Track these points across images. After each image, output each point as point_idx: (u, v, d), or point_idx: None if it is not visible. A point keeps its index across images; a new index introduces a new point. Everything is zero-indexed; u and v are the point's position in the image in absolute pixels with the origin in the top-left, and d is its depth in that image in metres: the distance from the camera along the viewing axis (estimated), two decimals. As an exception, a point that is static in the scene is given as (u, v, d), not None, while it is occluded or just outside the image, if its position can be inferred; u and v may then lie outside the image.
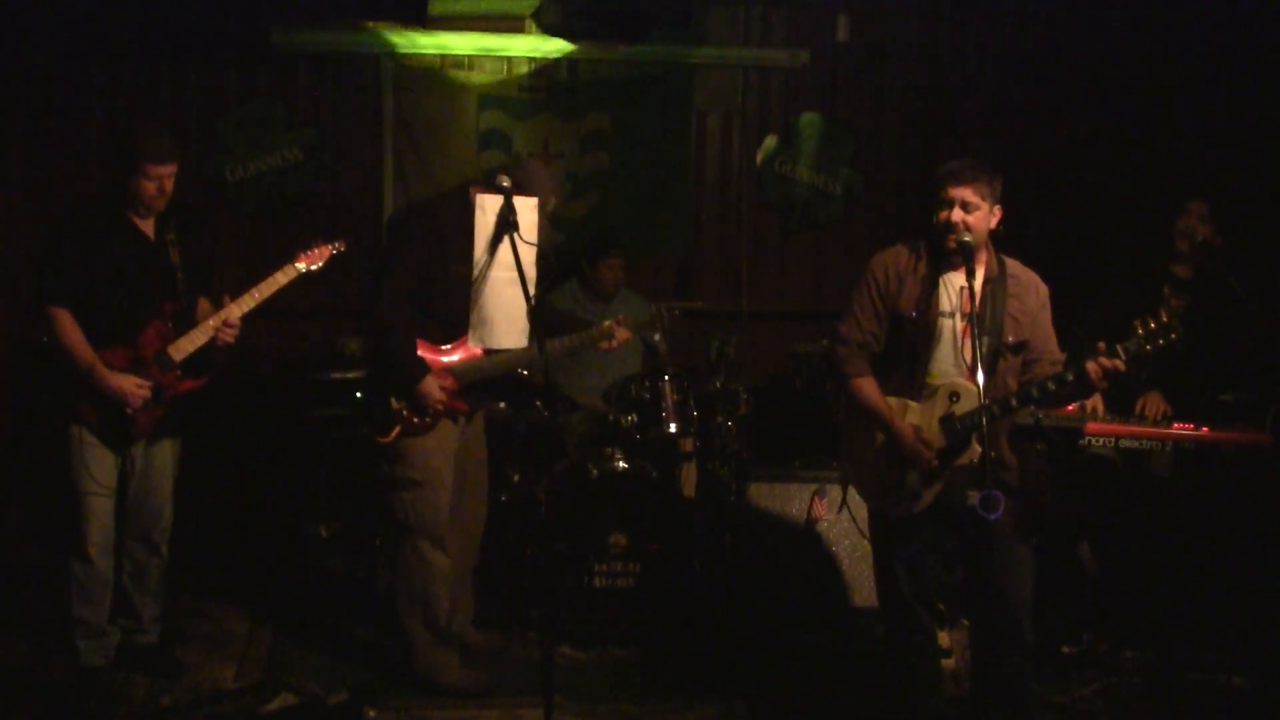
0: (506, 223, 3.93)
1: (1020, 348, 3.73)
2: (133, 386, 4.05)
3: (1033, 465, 3.85)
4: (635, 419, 5.08)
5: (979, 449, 3.55)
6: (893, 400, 3.74)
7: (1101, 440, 4.43)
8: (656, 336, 4.83)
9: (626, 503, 4.80)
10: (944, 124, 6.58)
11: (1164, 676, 4.52)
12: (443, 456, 4.26)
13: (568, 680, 4.29)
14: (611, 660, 4.64)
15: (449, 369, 4.23)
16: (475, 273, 4.06)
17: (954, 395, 3.65)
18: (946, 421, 3.65)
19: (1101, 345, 3.53)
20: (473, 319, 4.16)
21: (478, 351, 4.27)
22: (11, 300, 5.64)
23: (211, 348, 4.21)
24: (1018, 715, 3.77)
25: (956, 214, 3.63)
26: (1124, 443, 4.44)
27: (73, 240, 4.08)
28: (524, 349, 4.24)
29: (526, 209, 4.04)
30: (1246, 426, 4.50)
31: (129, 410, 4.08)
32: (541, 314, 4.47)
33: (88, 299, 4.06)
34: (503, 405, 5.09)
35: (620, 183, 6.46)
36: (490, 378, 4.37)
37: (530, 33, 6.22)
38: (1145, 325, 3.51)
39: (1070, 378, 3.57)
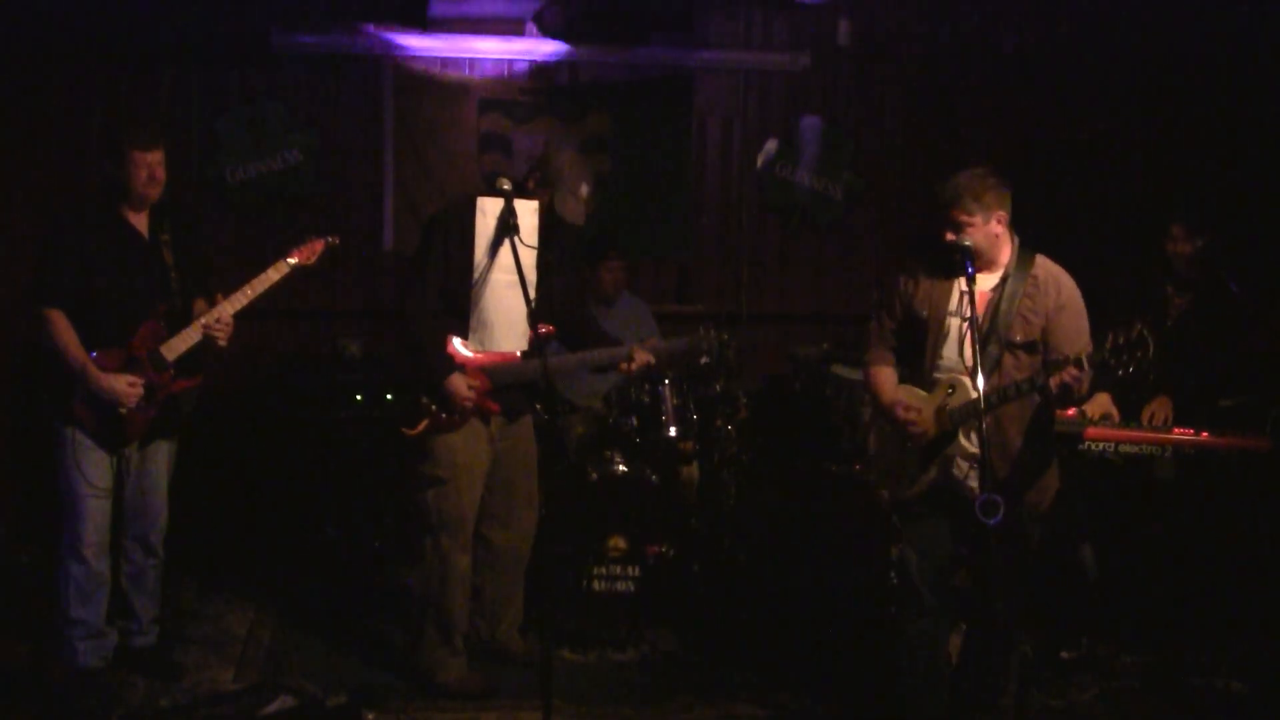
0: (506, 226, 3.93)
1: (1032, 347, 3.79)
2: (126, 387, 4.05)
3: (1033, 462, 3.86)
4: (635, 422, 5.08)
5: (964, 442, 3.74)
6: (904, 387, 3.93)
7: (1102, 445, 4.44)
8: (703, 360, 4.74)
9: (626, 506, 4.80)
10: (945, 128, 6.58)
11: (1163, 681, 4.51)
12: (469, 455, 4.25)
13: (566, 683, 4.28)
14: (610, 664, 4.64)
15: (483, 369, 4.22)
16: (475, 275, 4.06)
17: (951, 388, 3.80)
18: (940, 412, 3.81)
19: (1069, 354, 3.60)
20: (473, 321, 4.16)
21: (515, 354, 4.26)
22: (11, 300, 5.64)
23: (205, 347, 4.21)
24: (1002, 711, 3.90)
25: (950, 236, 3.77)
26: (1125, 447, 4.44)
27: (68, 241, 4.08)
28: (559, 358, 4.29)
29: (527, 212, 4.04)
30: (1247, 431, 4.50)
31: (123, 411, 4.08)
32: (575, 313, 4.51)
33: (82, 299, 4.06)
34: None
35: (620, 186, 6.45)
36: (526, 382, 4.36)
37: (530, 35, 6.23)
38: (1115, 341, 3.54)
39: (1040, 382, 3.67)
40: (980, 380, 3.52)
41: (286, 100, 6.14)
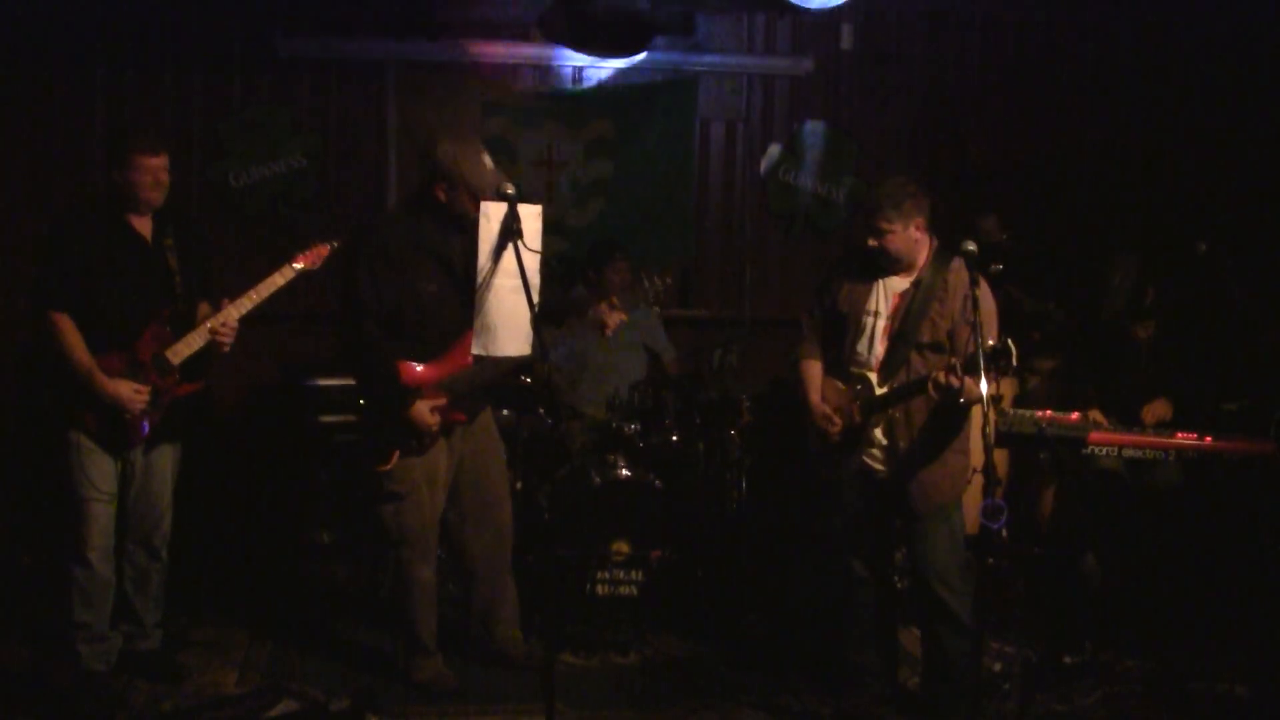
0: (510, 230, 3.94)
1: (938, 347, 4.01)
2: (130, 391, 4.05)
3: (934, 448, 4.01)
4: (638, 426, 5.09)
5: (875, 432, 4.07)
6: (826, 380, 4.23)
7: (1105, 450, 4.44)
8: (654, 309, 4.80)
9: (629, 510, 4.79)
10: (947, 132, 6.59)
11: (1166, 685, 4.51)
12: (427, 469, 4.27)
13: (569, 688, 4.29)
14: (613, 667, 4.64)
15: (439, 386, 4.23)
16: (479, 280, 4.06)
17: (860, 383, 4.11)
18: (851, 404, 4.12)
19: (953, 360, 3.81)
20: (476, 325, 4.15)
21: (466, 361, 4.26)
22: (15, 304, 5.65)
23: (210, 351, 4.21)
24: (958, 688, 4.00)
25: (872, 241, 4.08)
26: (1128, 452, 4.44)
27: (71, 244, 4.08)
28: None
29: (531, 216, 4.04)
30: (1250, 435, 4.49)
31: (127, 415, 4.08)
32: (553, 308, 4.50)
33: (86, 303, 4.06)
34: (506, 412, 5.09)
35: (624, 190, 6.46)
36: (484, 385, 4.37)
37: (534, 41, 6.23)
38: (987, 350, 3.65)
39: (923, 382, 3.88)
40: (981, 380, 3.58)
41: (290, 104, 6.16)
